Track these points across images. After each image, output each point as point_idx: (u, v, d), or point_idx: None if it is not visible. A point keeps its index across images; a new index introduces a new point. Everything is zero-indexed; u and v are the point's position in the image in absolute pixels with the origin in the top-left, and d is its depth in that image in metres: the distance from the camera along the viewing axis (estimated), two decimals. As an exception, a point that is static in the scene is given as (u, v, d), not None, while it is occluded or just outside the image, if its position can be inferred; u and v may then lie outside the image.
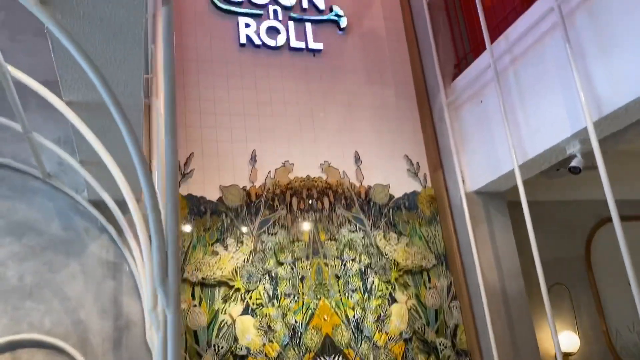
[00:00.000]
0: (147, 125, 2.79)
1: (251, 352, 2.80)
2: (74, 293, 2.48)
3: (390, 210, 3.36)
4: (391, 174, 3.46)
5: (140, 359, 2.45)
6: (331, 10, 3.71)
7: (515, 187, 2.87)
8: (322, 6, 3.68)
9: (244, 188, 3.12)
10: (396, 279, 3.19)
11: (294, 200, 3.19)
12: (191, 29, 3.36)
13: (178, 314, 1.55)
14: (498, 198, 3.39)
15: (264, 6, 3.54)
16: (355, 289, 3.09)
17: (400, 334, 3.07)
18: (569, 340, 3.43)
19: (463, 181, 3.32)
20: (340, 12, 3.71)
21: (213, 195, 3.05)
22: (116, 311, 2.50)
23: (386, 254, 3.22)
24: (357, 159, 3.42)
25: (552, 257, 3.75)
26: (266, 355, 2.81)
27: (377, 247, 3.23)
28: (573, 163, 2.64)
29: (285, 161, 3.27)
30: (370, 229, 3.26)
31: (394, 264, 3.21)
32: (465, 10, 3.55)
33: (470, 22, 3.48)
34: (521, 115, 2.89)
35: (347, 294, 3.06)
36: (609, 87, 2.32)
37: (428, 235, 3.37)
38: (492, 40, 3.06)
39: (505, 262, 3.24)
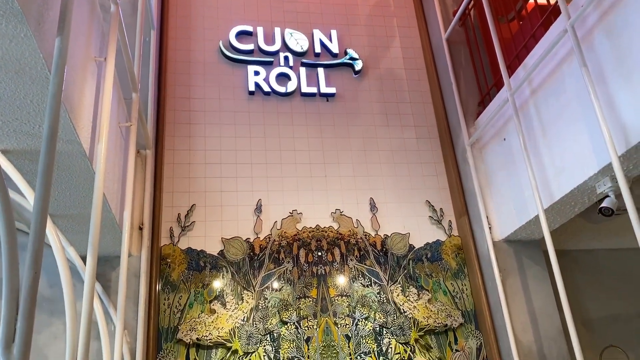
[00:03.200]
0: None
1: (247, 422, 2.54)
2: (56, 356, 2.37)
3: (410, 262, 3.05)
4: (411, 221, 3.17)
5: None
6: (346, 53, 3.57)
7: (555, 234, 2.51)
8: (335, 50, 3.56)
9: (247, 240, 2.95)
10: (416, 340, 2.84)
11: (302, 252, 2.97)
12: (200, 80, 3.32)
13: None
14: (532, 246, 3.00)
15: (274, 53, 3.47)
16: (369, 352, 2.77)
17: (420, 404, 2.70)
18: (631, 414, 2.89)
19: (490, 228, 2.97)
20: (355, 55, 3.56)
21: (214, 248, 2.90)
22: (97, 375, 2.35)
23: (404, 312, 2.90)
24: (373, 206, 3.17)
25: (606, 314, 3.26)
26: None
27: (395, 303, 2.91)
28: (604, 204, 2.26)
29: (293, 210, 3.08)
30: (387, 284, 2.96)
31: (414, 323, 2.88)
32: (487, 43, 3.29)
33: (492, 56, 3.21)
34: (545, 152, 2.56)
35: (359, 357, 2.75)
36: (635, 113, 1.98)
37: (454, 289, 3.01)
38: (512, 72, 2.78)
39: (543, 319, 2.82)
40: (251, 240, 2.95)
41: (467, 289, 3.02)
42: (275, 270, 2.90)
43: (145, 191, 2.74)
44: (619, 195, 2.26)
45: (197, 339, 2.66)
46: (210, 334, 2.68)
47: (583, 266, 3.40)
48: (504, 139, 2.91)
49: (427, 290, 2.98)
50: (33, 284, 1.05)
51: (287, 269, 2.92)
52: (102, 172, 1.67)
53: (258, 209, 3.04)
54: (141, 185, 2.73)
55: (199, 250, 2.87)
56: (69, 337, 1.56)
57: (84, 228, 2.25)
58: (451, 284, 3.03)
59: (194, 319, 2.70)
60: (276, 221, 3.03)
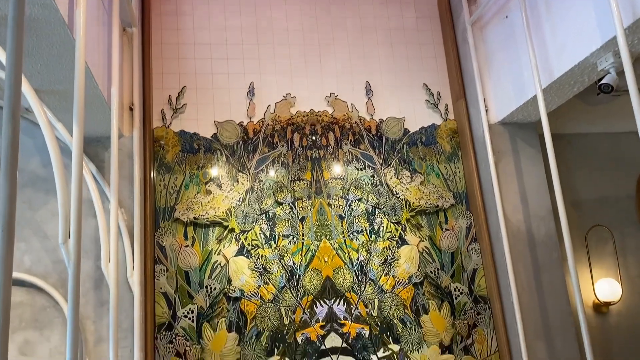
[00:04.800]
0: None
1: (245, 294, 2.67)
2: (54, 232, 2.43)
3: (405, 146, 3.04)
4: (407, 105, 3.13)
5: (121, 299, 2.38)
6: None
7: (552, 118, 2.47)
8: None
9: (240, 124, 2.92)
10: (407, 220, 2.92)
11: (296, 137, 2.96)
12: (185, -46, 3.10)
13: (77, 274, 1.42)
14: (527, 129, 2.98)
15: None
16: (361, 231, 2.85)
17: (410, 278, 2.82)
18: (610, 287, 3.04)
19: (487, 110, 2.93)
20: None
21: (207, 131, 2.88)
22: (97, 251, 2.42)
23: (397, 194, 2.94)
24: (369, 90, 3.10)
25: (596, 196, 3.32)
26: (261, 298, 2.68)
27: (388, 185, 2.95)
28: (604, 80, 2.20)
29: (286, 94, 3.02)
30: (381, 167, 2.98)
31: (406, 204, 2.93)
32: None
33: None
34: (547, 29, 2.45)
35: (351, 235, 2.84)
36: (646, -20, 1.86)
37: (447, 172, 3.04)
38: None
39: (533, 200, 2.87)
40: (244, 124, 2.93)
41: (460, 172, 3.05)
42: (269, 153, 2.91)
43: (134, 70, 2.66)
44: (620, 73, 2.19)
45: (194, 217, 2.72)
46: (207, 213, 2.74)
47: (577, 149, 3.40)
48: (506, 17, 2.78)
49: (420, 173, 3.01)
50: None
51: (281, 152, 2.92)
52: (82, 39, 1.60)
53: (251, 92, 2.98)
54: (129, 65, 2.65)
55: (192, 133, 2.85)
56: (61, 213, 1.58)
57: (73, 106, 2.21)
58: (444, 167, 3.05)
59: (190, 200, 2.75)
60: (269, 105, 2.98)
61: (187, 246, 2.69)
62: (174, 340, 2.55)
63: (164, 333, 2.55)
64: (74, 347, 1.33)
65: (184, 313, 2.59)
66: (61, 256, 2.40)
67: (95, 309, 2.38)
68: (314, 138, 2.97)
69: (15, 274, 2.34)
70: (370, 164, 2.97)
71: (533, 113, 2.83)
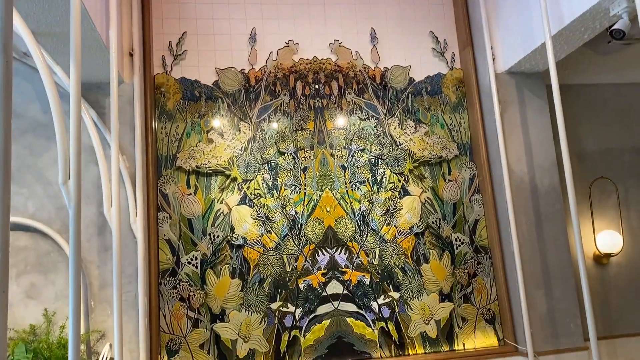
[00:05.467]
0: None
1: (248, 242, 2.69)
2: (56, 178, 2.43)
3: (409, 95, 3.00)
4: (413, 53, 3.06)
5: (125, 245, 2.41)
6: None
7: (560, 68, 2.41)
8: None
9: (242, 71, 2.87)
10: (410, 171, 2.90)
11: (299, 85, 2.91)
12: None
13: (78, 215, 1.41)
14: (534, 79, 2.92)
15: None
16: (363, 181, 2.84)
17: (411, 228, 2.83)
18: (611, 239, 3.05)
19: (494, 59, 2.87)
20: None
21: (208, 79, 2.83)
22: (99, 197, 2.43)
23: (400, 144, 2.92)
24: (374, 37, 3.03)
25: (601, 148, 3.28)
26: (264, 246, 2.70)
27: (391, 136, 2.92)
28: (616, 26, 2.13)
29: (289, 41, 2.95)
30: (385, 117, 2.94)
31: (409, 155, 2.91)
32: None
33: None
34: (560, -28, 2.36)
35: (353, 186, 2.83)
36: None
37: (452, 123, 3.00)
38: None
39: (538, 151, 2.84)
40: (246, 71, 2.87)
41: (464, 122, 3.01)
42: (271, 102, 2.87)
43: (133, 14, 2.59)
44: (633, 19, 2.13)
45: (197, 166, 2.71)
46: (209, 162, 2.73)
47: (584, 100, 3.34)
48: (518, -40, 2.68)
49: (425, 124, 2.97)
50: (6, 71, 1.00)
51: (283, 101, 2.88)
52: (77, -24, 1.55)
53: (252, 38, 2.91)
54: (128, 9, 2.58)
55: (193, 80, 2.81)
56: (60, 154, 1.56)
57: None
58: (449, 117, 3.01)
59: (192, 148, 2.73)
60: (272, 52, 2.92)
61: (189, 194, 2.69)
62: (177, 285, 2.59)
63: (167, 279, 2.59)
64: (77, 285, 1.34)
65: (187, 260, 2.62)
66: (64, 202, 2.41)
67: (99, 254, 2.40)
68: (317, 87, 2.92)
69: (19, 219, 2.35)
70: (374, 114, 2.93)
71: (541, 62, 2.76)
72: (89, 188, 2.43)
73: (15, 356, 2.14)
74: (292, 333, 2.64)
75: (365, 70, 2.98)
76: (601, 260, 3.11)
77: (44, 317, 2.31)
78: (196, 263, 2.63)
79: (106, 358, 2.22)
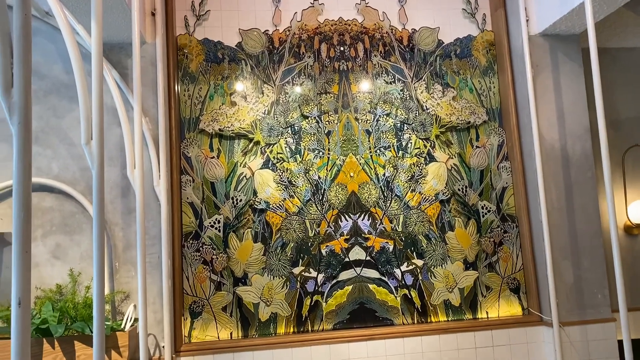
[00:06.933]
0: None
1: (270, 206, 2.67)
2: (80, 140, 2.43)
3: (437, 58, 2.90)
4: (442, 15, 2.94)
5: (148, 207, 2.41)
6: None
7: (597, 31, 2.28)
8: None
9: (265, 32, 2.80)
10: (437, 136, 2.83)
11: (323, 47, 2.83)
12: None
13: (101, 174, 1.38)
14: (570, 42, 2.78)
15: None
16: (388, 146, 2.78)
17: (436, 195, 2.78)
18: (645, 210, 2.96)
19: (527, 21, 2.74)
20: None
21: (231, 40, 2.77)
22: (123, 159, 2.42)
23: (427, 109, 2.84)
24: (401, -2, 2.92)
25: (637, 114, 3.15)
26: (286, 210, 2.68)
27: (418, 100, 2.84)
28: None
29: (313, 1, 2.86)
30: (411, 80, 2.86)
31: (436, 120, 2.83)
32: None
33: None
34: None
35: (378, 151, 2.77)
36: None
37: (481, 87, 2.90)
38: None
39: (571, 117, 2.74)
40: (270, 32, 2.80)
41: (494, 87, 2.91)
42: (295, 64, 2.80)
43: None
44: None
45: (220, 129, 2.68)
46: (232, 125, 2.69)
47: (621, 65, 3.20)
48: None
49: (453, 88, 2.88)
50: (25, 24, 0.97)
51: (307, 64, 2.81)
52: None
53: (277, -2, 2.83)
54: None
55: (216, 41, 2.75)
56: (83, 114, 1.54)
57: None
58: (478, 81, 2.90)
59: (215, 111, 2.69)
60: (296, 12, 2.84)
61: (212, 157, 2.67)
62: (200, 248, 2.60)
63: (191, 242, 2.60)
64: (100, 244, 1.33)
65: (210, 223, 2.62)
66: (88, 164, 2.41)
67: (122, 217, 2.41)
68: (342, 49, 2.84)
69: (44, 180, 2.36)
70: (401, 77, 2.85)
71: (577, 23, 2.63)
72: (112, 150, 2.43)
73: (43, 314, 2.18)
74: (314, 298, 2.64)
75: (392, 32, 2.88)
76: (632, 230, 3.02)
77: (70, 277, 2.34)
78: (219, 226, 2.63)
79: (131, 318, 2.25)
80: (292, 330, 2.60)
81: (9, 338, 2.12)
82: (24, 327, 0.93)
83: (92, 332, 2.11)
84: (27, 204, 0.90)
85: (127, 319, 2.24)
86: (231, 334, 2.56)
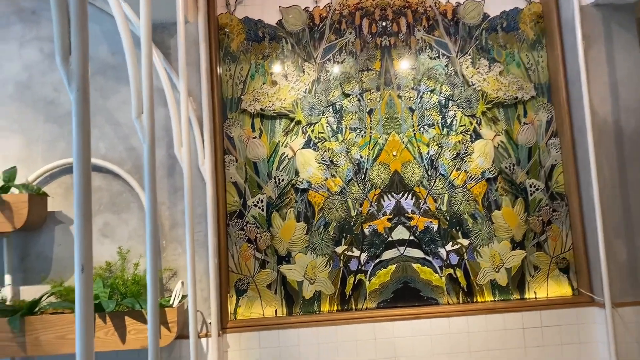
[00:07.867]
0: None
1: (312, 185, 2.66)
2: (126, 120, 2.46)
3: (483, 32, 2.81)
4: (487, -13, 2.84)
5: (194, 186, 2.43)
6: None
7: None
8: None
9: (306, 9, 2.76)
10: (483, 113, 2.75)
11: (365, 23, 2.78)
12: None
13: (153, 147, 1.38)
14: (624, 11, 2.65)
15: None
16: (432, 124, 2.73)
17: (483, 173, 2.71)
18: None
19: (579, -10, 2.62)
20: None
21: (272, 18, 2.75)
22: (169, 139, 2.44)
23: (473, 84, 2.76)
24: (445, -30, 2.83)
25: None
26: (328, 190, 2.67)
27: (463, 75, 2.76)
28: None
29: (355, -24, 2.80)
30: (456, 55, 2.78)
31: (482, 96, 2.76)
32: None
33: None
34: None
35: (421, 129, 2.72)
36: None
37: (529, 61, 2.80)
38: None
39: (625, 91, 2.62)
40: (310, 9, 2.76)
41: (543, 61, 2.80)
42: (336, 41, 2.76)
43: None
44: None
45: (261, 109, 2.67)
46: (273, 104, 2.68)
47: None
48: None
49: (500, 62, 2.79)
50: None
51: (349, 40, 2.76)
52: None
53: (317, -26, 2.78)
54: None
55: (256, 20, 2.73)
56: (133, 89, 1.54)
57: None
58: (526, 55, 2.80)
59: (256, 90, 2.69)
60: (337, -12, 2.79)
61: (254, 137, 2.67)
62: (245, 227, 2.61)
63: (235, 220, 2.61)
64: (154, 217, 1.34)
65: (253, 202, 2.63)
66: (134, 143, 2.45)
67: (169, 196, 2.44)
68: (384, 24, 2.78)
69: (92, 160, 2.41)
70: (445, 52, 2.77)
71: (635, -9, 2.50)
72: (158, 130, 2.45)
73: (94, 291, 2.24)
74: (358, 277, 2.63)
75: (435, 6, 2.80)
76: (689, 209, 2.88)
77: (119, 254, 2.39)
78: (262, 206, 2.63)
79: (179, 295, 2.28)
80: (335, 308, 2.60)
81: (63, 312, 2.19)
82: (87, 291, 0.95)
83: (141, 308, 2.15)
84: (86, 167, 0.91)
85: (175, 296, 2.27)
86: (276, 311, 2.58)
